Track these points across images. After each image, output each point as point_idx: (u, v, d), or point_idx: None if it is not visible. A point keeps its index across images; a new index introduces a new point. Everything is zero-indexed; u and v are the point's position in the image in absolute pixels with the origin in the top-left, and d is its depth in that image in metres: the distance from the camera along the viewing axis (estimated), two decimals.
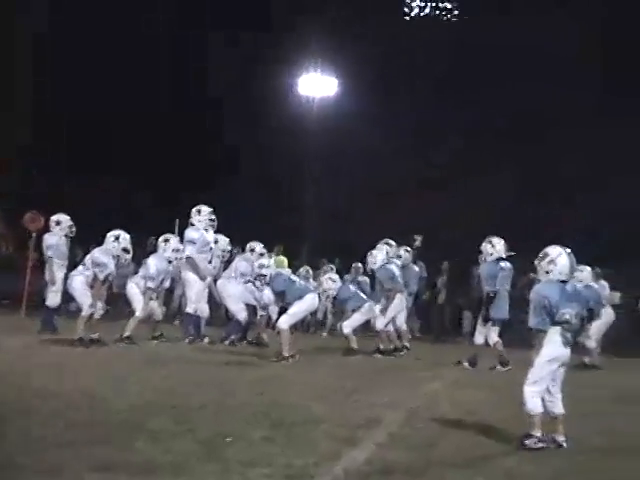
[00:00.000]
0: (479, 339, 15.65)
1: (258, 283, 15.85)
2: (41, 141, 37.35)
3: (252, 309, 17.34)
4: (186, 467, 6.25)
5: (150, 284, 16.17)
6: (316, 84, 36.52)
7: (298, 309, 14.68)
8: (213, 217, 17.34)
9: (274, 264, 17.04)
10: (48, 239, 17.44)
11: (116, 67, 36.66)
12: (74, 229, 17.58)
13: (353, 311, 16.76)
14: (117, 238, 15.31)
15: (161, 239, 16.85)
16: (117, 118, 36.68)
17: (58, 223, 17.46)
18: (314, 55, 36.69)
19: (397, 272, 17.19)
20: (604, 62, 32.99)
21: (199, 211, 17.28)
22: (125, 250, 15.47)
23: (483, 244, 15.68)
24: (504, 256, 15.50)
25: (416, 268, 19.14)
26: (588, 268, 16.65)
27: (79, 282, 15.18)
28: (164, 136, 37.23)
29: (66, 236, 17.53)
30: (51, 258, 17.24)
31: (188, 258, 16.89)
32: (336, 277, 17.51)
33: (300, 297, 14.71)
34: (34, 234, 21.21)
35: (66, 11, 37.18)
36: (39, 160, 37.75)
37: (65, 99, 36.51)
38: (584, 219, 31.24)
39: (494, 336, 15.45)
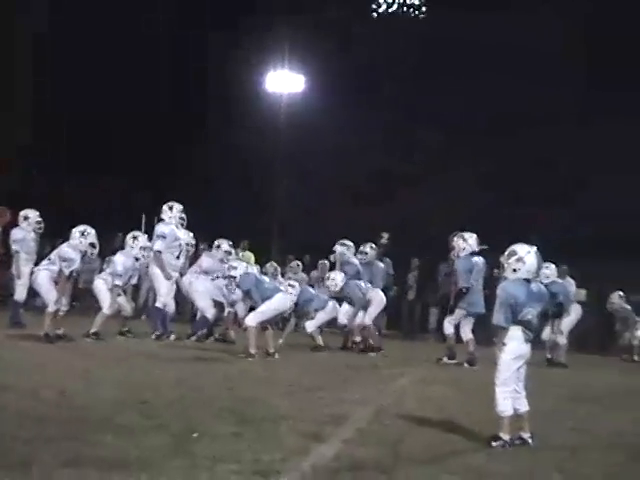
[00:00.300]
0: (449, 329, 15.70)
1: (229, 285, 15.88)
2: (41, 141, 37.26)
3: (220, 306, 17.34)
4: (154, 462, 6.23)
5: (117, 281, 16.12)
6: (284, 81, 36.54)
7: (267, 308, 14.59)
8: (184, 215, 17.36)
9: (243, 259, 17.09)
10: (15, 234, 17.41)
11: (116, 67, 36.58)
12: (42, 225, 17.60)
13: (316, 311, 16.78)
14: (83, 233, 15.20)
15: (129, 236, 16.80)
16: (117, 118, 36.59)
17: (26, 218, 17.46)
18: (281, 52, 36.71)
19: (360, 282, 17.28)
20: (587, 59, 33.14)
21: (171, 208, 17.26)
22: (92, 245, 15.39)
23: (455, 239, 15.70)
24: (477, 250, 15.55)
25: (381, 265, 19.15)
26: (553, 265, 16.76)
27: (44, 277, 15.08)
28: (164, 136, 37.23)
29: (34, 232, 17.51)
30: (18, 253, 17.21)
31: (157, 252, 16.85)
32: (295, 283, 17.46)
33: (269, 297, 14.66)
34: (0, 228, 21.15)
35: (66, 11, 37.07)
36: (39, 160, 37.65)
37: (65, 99, 36.44)
38: (560, 218, 31.46)
39: (468, 332, 15.52)
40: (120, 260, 16.33)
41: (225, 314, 17.52)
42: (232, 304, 17.21)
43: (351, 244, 17.90)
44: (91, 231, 15.34)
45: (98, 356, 13.00)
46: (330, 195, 36.56)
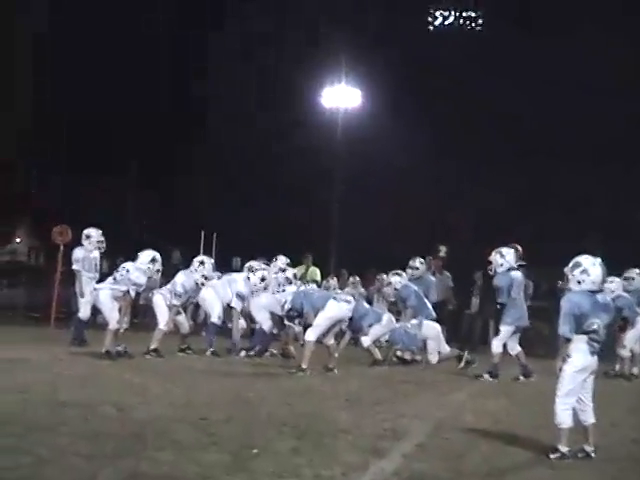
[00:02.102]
0: (498, 348, 15.52)
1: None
2: (41, 141, 37.58)
3: (279, 320, 17.33)
4: (213, 479, 6.25)
5: (175, 301, 16.22)
6: (341, 96, 36.47)
7: (322, 319, 14.53)
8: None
9: (308, 275, 17.13)
10: (76, 252, 17.60)
11: (116, 67, 36.88)
12: (104, 244, 17.72)
13: (370, 326, 16.59)
14: (153, 260, 15.44)
15: (197, 259, 16.95)
16: (117, 118, 36.84)
17: (88, 237, 17.66)
18: (339, 67, 36.70)
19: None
20: None
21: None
22: (158, 271, 15.62)
23: (492, 255, 15.59)
24: (515, 266, 15.43)
25: (432, 278, 19.17)
26: (617, 279, 16.53)
27: (107, 296, 15.16)
28: (164, 136, 37.46)
29: (96, 250, 17.66)
30: (79, 272, 17.36)
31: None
32: (350, 297, 17.03)
33: (321, 308, 14.62)
34: (62, 247, 21.45)
35: (66, 11, 37.54)
36: (39, 160, 37.98)
37: (65, 99, 36.78)
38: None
39: (516, 345, 15.40)
40: (181, 280, 16.43)
41: (284, 329, 17.52)
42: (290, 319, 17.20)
43: (402, 273, 17.92)
44: (159, 258, 15.61)
45: (157, 372, 13.07)
46: (389, 211, 36.55)
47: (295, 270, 18.42)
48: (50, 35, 38.08)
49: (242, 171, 38.35)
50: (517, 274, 15.44)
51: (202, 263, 16.71)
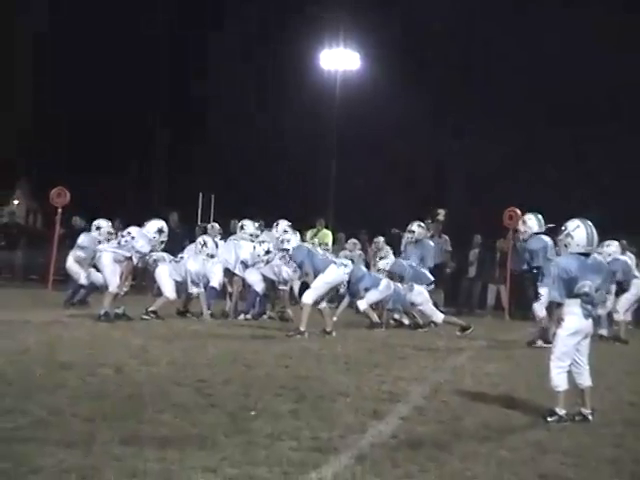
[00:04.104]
0: (541, 311, 15.24)
1: (281, 258, 15.95)
2: (41, 141, 37.62)
3: (271, 283, 17.37)
4: (213, 440, 6.28)
5: (194, 288, 16.34)
6: (339, 58, 36.29)
7: (321, 282, 14.54)
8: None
9: (320, 238, 17.18)
10: (83, 240, 17.73)
11: (116, 67, 36.87)
12: (114, 236, 17.62)
13: (367, 290, 16.58)
14: (160, 231, 15.47)
15: (199, 240, 17.10)
16: (117, 118, 36.88)
17: (98, 228, 17.64)
18: (337, 30, 36.49)
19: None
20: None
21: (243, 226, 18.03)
22: (162, 242, 15.60)
23: (519, 224, 15.55)
24: (542, 230, 15.25)
25: (431, 243, 19.02)
26: (615, 242, 16.52)
27: (109, 259, 15.15)
28: (164, 136, 37.54)
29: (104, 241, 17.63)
30: (85, 258, 17.44)
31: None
32: (348, 261, 16.93)
33: (322, 271, 14.60)
34: (60, 209, 21.43)
35: (66, 11, 37.46)
36: (39, 160, 38.05)
37: (65, 99, 36.80)
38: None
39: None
40: (194, 268, 16.39)
41: (280, 292, 17.56)
42: (285, 282, 17.25)
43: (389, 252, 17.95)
44: (166, 230, 15.71)
45: (156, 334, 13.08)
46: (385, 173, 36.50)
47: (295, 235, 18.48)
48: (50, 35, 38.11)
49: (242, 171, 38.39)
50: (547, 238, 15.25)
51: (205, 244, 16.81)
